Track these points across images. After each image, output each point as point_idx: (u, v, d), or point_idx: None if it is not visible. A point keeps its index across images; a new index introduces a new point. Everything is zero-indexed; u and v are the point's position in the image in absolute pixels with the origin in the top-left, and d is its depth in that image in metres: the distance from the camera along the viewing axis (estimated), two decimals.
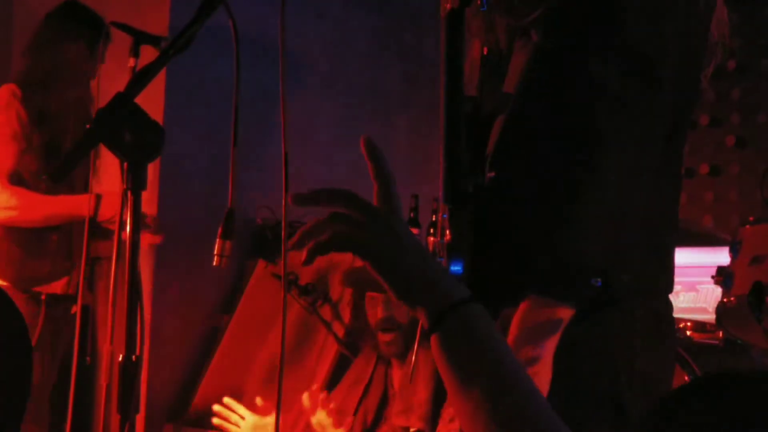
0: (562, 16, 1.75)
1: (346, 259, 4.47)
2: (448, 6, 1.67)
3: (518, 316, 1.80)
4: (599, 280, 1.76)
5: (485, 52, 1.94)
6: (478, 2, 1.78)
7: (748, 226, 3.79)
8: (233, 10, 2.11)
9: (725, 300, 3.72)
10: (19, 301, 3.77)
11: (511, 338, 1.79)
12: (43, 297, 4.13)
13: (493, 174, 1.81)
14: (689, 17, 1.81)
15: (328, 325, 4.64)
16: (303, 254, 1.43)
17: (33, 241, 4.07)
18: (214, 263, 2.23)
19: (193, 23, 1.70)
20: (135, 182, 1.54)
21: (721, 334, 3.96)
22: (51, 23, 4.24)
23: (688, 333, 4.19)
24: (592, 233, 1.77)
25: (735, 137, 5.89)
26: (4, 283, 3.98)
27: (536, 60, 1.79)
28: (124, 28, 3.85)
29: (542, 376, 1.74)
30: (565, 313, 1.76)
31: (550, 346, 1.76)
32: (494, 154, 1.82)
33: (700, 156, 5.99)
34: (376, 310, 3.63)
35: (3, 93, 4.11)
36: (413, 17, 6.35)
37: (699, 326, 4.21)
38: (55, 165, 1.47)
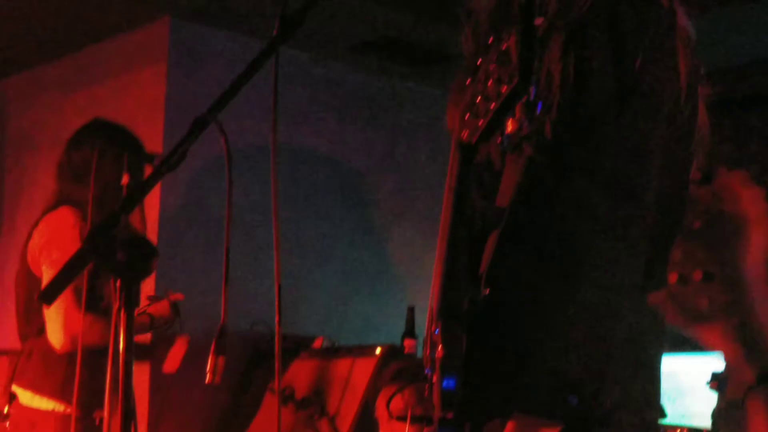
0: (553, 132, 1.78)
1: (343, 374, 4.46)
2: (464, 137, 1.68)
3: None
4: (575, 397, 1.76)
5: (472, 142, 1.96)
6: (498, 140, 1.80)
7: None
8: (226, 125, 2.13)
9: (720, 406, 3.70)
10: (80, 426, 3.74)
11: None
12: (97, 422, 4.04)
13: (488, 291, 1.82)
14: (672, 129, 1.83)
15: None
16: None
17: (96, 364, 4.00)
18: (207, 381, 2.21)
19: (185, 140, 1.71)
20: (127, 300, 1.54)
21: None
22: (100, 147, 4.21)
23: None
24: (576, 350, 1.77)
25: None
26: (66, 408, 3.91)
27: (528, 174, 1.81)
28: (119, 145, 3.88)
29: None
30: None
31: None
32: (489, 271, 1.83)
33: (695, 263, 5.98)
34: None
35: (67, 214, 4.10)
36: (406, 129, 6.41)
37: None
38: (47, 286, 1.47)
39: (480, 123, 1.61)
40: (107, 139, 4.11)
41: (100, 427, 4.03)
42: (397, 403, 3.65)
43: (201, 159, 4.60)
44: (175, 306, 4.18)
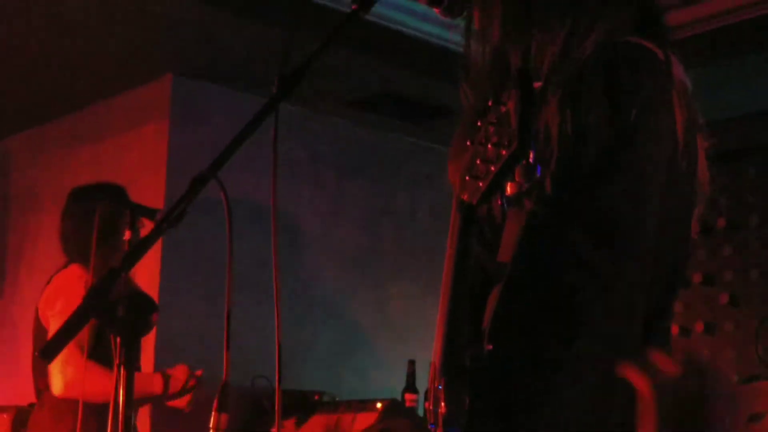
0: (554, 188, 1.79)
1: (345, 429, 4.45)
2: (465, 198, 1.70)
3: None
4: None
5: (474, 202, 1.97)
6: (499, 202, 1.82)
7: (744, 384, 3.78)
8: (227, 181, 2.15)
9: None
10: None
11: None
12: None
13: (490, 347, 1.83)
14: (671, 180, 1.84)
15: None
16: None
17: (104, 415, 4.00)
18: None
19: (185, 196, 1.73)
20: (128, 357, 1.55)
21: None
22: (106, 208, 4.24)
23: None
24: (574, 408, 1.77)
25: (728, 295, 5.91)
26: None
27: (528, 229, 1.82)
28: (120, 201, 3.91)
29: None
30: None
31: None
32: (491, 327, 1.84)
33: (695, 314, 6.00)
34: None
35: (76, 269, 4.16)
36: (406, 185, 6.44)
37: None
38: (47, 342, 1.48)
39: (480, 185, 1.63)
40: (109, 196, 4.16)
41: None
42: None
43: (202, 214, 4.61)
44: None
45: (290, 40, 1.90)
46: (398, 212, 6.43)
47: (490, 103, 1.62)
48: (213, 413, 2.26)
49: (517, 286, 1.83)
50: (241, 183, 4.93)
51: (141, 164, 5.65)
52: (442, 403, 1.73)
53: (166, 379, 4.16)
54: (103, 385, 3.90)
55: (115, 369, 1.59)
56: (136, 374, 4.11)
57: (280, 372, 2.17)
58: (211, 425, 2.25)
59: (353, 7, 1.90)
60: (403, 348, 5.69)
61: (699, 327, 5.97)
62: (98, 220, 3.87)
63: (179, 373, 4.22)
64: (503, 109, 1.58)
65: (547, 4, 1.90)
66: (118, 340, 1.55)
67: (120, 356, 1.55)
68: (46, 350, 1.52)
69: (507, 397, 1.81)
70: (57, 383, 3.95)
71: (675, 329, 6.03)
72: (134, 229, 3.67)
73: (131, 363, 1.56)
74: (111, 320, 1.55)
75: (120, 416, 1.55)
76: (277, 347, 2.21)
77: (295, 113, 5.79)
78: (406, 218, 6.44)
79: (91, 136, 6.11)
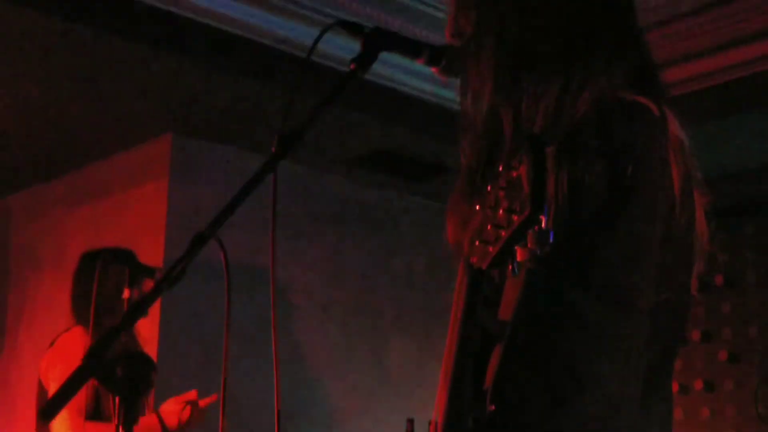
0: (551, 246, 1.79)
1: None
2: (474, 262, 1.70)
3: None
4: None
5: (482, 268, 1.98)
6: (509, 267, 1.82)
7: None
8: (226, 240, 2.16)
9: None
10: None
11: None
12: None
13: (493, 408, 1.82)
14: (667, 236, 1.84)
15: None
16: None
17: None
18: None
19: (185, 256, 1.74)
20: (127, 417, 1.55)
21: None
22: (101, 264, 4.27)
23: None
24: None
25: (727, 352, 5.90)
26: None
27: (528, 287, 1.82)
28: (120, 259, 3.92)
29: None
30: None
31: None
32: (494, 387, 1.84)
33: (694, 371, 5.98)
34: None
35: (78, 332, 4.17)
36: (404, 242, 6.45)
37: None
38: (47, 403, 1.48)
39: (490, 249, 1.63)
40: (110, 257, 4.17)
41: None
42: None
43: (201, 273, 4.61)
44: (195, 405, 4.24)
45: (290, 100, 1.91)
46: (396, 269, 6.44)
47: (500, 168, 1.62)
48: None
49: (518, 346, 1.82)
50: (240, 242, 4.94)
51: (141, 223, 5.66)
52: None
53: (160, 418, 4.15)
54: None
55: (114, 429, 1.59)
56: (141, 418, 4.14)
57: (279, 429, 2.16)
58: None
59: (351, 66, 1.92)
60: (402, 406, 5.67)
61: (698, 384, 5.96)
62: (98, 281, 3.89)
63: (169, 406, 4.19)
64: (514, 174, 1.58)
65: (540, 61, 1.92)
66: (117, 399, 1.56)
67: (119, 416, 1.55)
68: (46, 411, 1.52)
69: None
70: None
71: (675, 386, 6.01)
72: (134, 288, 3.67)
73: (130, 423, 1.56)
74: (110, 380, 1.55)
75: None
76: (276, 408, 2.21)
77: (294, 171, 5.82)
78: (404, 276, 6.44)
79: (91, 195, 6.12)
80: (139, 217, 5.72)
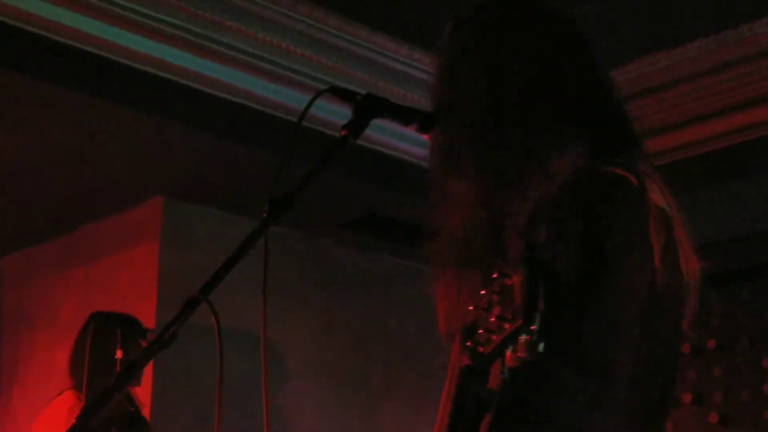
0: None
1: None
2: (466, 362, 1.74)
3: None
4: None
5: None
6: (499, 370, 1.84)
7: None
8: (217, 303, 2.17)
9: None
10: None
11: None
12: None
13: None
14: (651, 307, 1.84)
15: None
16: None
17: None
18: None
19: (176, 320, 1.75)
20: None
21: None
22: (94, 326, 4.28)
23: None
24: None
25: (718, 415, 5.90)
26: None
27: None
28: (113, 322, 3.93)
29: None
30: None
31: None
32: None
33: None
34: None
35: (69, 397, 4.17)
36: (395, 303, 6.45)
37: None
38: None
39: (481, 350, 1.66)
40: (102, 319, 4.18)
41: None
42: None
43: (192, 335, 4.62)
44: None
45: (281, 164, 1.94)
46: (388, 332, 6.43)
47: (495, 275, 1.65)
48: None
49: (504, 415, 1.84)
50: (232, 305, 4.94)
51: (132, 286, 5.67)
52: None
53: None
54: None
55: None
56: None
57: None
58: None
59: (343, 133, 1.95)
60: None
61: None
62: (90, 344, 3.89)
63: None
64: (508, 282, 1.61)
65: (511, 142, 1.90)
66: None
67: None
68: None
69: None
70: None
71: None
72: (126, 350, 3.68)
73: None
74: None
75: None
76: None
77: (284, 234, 5.83)
78: (395, 338, 6.44)
79: (83, 258, 6.13)
80: (131, 280, 5.73)
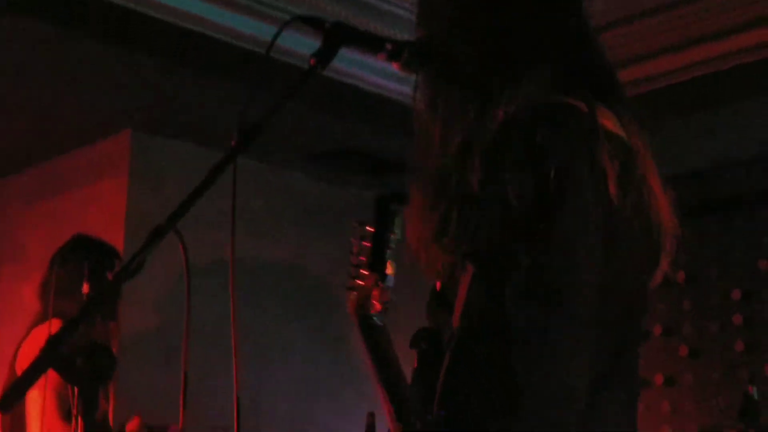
0: (488, 250, 1.79)
1: None
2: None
3: None
4: None
5: (438, 288, 2.00)
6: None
7: None
8: (186, 236, 2.15)
9: None
10: None
11: None
12: None
13: (443, 412, 1.82)
14: (609, 236, 1.81)
15: None
16: None
17: None
18: None
19: (143, 249, 1.73)
20: (86, 407, 1.55)
21: None
22: (68, 263, 4.25)
23: None
24: None
25: (688, 347, 5.95)
26: None
27: (470, 291, 1.82)
28: (82, 253, 3.91)
29: None
30: None
31: None
32: (441, 391, 1.84)
33: (655, 366, 6.02)
34: None
35: (44, 332, 4.16)
36: None
37: None
38: (4, 393, 1.47)
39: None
40: (96, 255, 4.16)
41: None
42: None
43: (160, 269, 4.61)
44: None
45: (250, 95, 1.91)
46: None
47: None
48: None
49: (463, 351, 1.82)
50: (202, 240, 4.93)
51: (100, 220, 5.63)
52: None
53: None
54: None
55: (73, 420, 1.59)
56: None
57: (238, 424, 2.16)
58: None
59: (311, 62, 1.92)
60: (363, 401, 5.67)
61: (659, 379, 5.99)
62: (56, 275, 3.87)
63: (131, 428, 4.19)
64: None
65: (472, 72, 1.93)
66: (76, 390, 1.55)
67: (78, 406, 1.55)
68: (4, 401, 1.52)
69: None
70: None
71: None
72: (94, 284, 3.66)
73: (89, 412, 1.56)
74: (69, 371, 1.55)
75: None
76: (235, 400, 2.21)
77: (254, 167, 5.81)
78: None
79: (50, 191, 6.10)
80: (99, 214, 5.69)
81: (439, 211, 1.89)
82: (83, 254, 4.15)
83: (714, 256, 5.98)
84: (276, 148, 5.68)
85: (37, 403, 3.99)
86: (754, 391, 3.96)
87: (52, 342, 1.55)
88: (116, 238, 5.41)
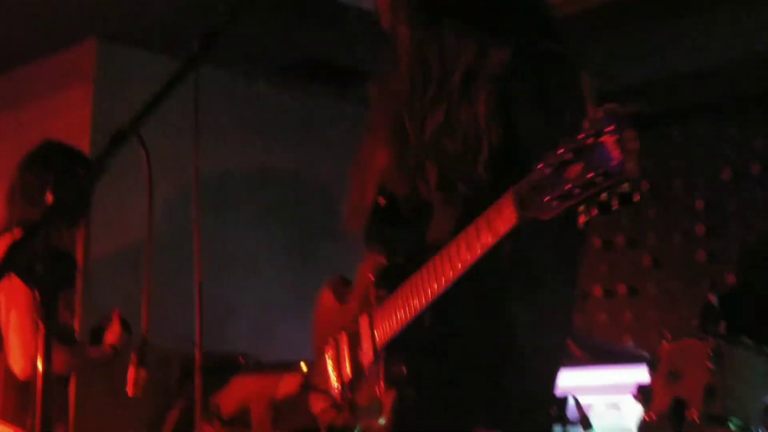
0: (488, 174, 1.87)
1: (269, 391, 4.46)
2: None
3: None
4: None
5: (382, 203, 2.09)
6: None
7: (664, 343, 3.85)
8: (149, 145, 2.14)
9: (646, 417, 3.76)
10: None
11: None
12: None
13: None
14: None
15: None
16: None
17: (48, 390, 4.00)
18: (130, 393, 2.21)
19: (106, 153, 1.73)
20: (47, 311, 1.55)
21: None
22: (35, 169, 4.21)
23: None
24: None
25: (651, 257, 6.00)
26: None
27: (465, 215, 1.88)
28: (48, 161, 3.89)
29: None
30: None
31: None
32: (439, 309, 1.93)
33: (618, 276, 6.09)
34: None
35: (8, 241, 4.14)
36: (333, 149, 6.44)
37: None
38: None
39: None
40: (63, 161, 4.13)
41: None
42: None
43: (124, 177, 4.58)
44: (126, 324, 4.22)
45: (213, 4, 1.91)
46: (324, 175, 6.44)
47: None
48: (131, 368, 2.26)
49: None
50: (166, 147, 4.90)
51: (65, 130, 5.58)
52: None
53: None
54: (64, 358, 3.92)
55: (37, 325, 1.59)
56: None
57: (201, 334, 2.18)
58: (130, 381, 2.24)
59: None
60: None
61: (622, 289, 6.06)
62: (21, 182, 3.86)
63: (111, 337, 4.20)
64: None
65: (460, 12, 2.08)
66: (37, 294, 1.55)
67: (39, 311, 1.55)
68: None
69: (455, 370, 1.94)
70: (19, 365, 3.93)
71: (599, 291, 6.12)
72: (59, 189, 3.63)
73: (50, 318, 1.56)
74: (30, 275, 1.55)
75: (40, 372, 1.55)
76: (198, 309, 2.22)
77: (221, 78, 5.77)
78: (332, 181, 6.44)
79: (14, 101, 6.04)
80: (65, 124, 5.64)
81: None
82: (50, 161, 4.12)
83: (678, 166, 6.01)
84: (242, 58, 5.64)
85: (15, 321, 4.00)
86: (714, 299, 4.01)
87: (13, 247, 1.55)
88: (81, 147, 5.38)
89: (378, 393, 1.96)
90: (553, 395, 2.05)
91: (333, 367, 2.18)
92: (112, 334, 4.21)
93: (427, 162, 2.04)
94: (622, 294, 6.05)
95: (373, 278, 2.14)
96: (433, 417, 1.96)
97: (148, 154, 1.94)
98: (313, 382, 2.19)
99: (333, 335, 2.27)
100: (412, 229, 2.08)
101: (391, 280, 2.04)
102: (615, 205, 1.58)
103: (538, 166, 1.68)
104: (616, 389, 4.53)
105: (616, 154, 1.56)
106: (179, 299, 4.61)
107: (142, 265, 2.87)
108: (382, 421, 1.94)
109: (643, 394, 3.82)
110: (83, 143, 5.38)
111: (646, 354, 4.10)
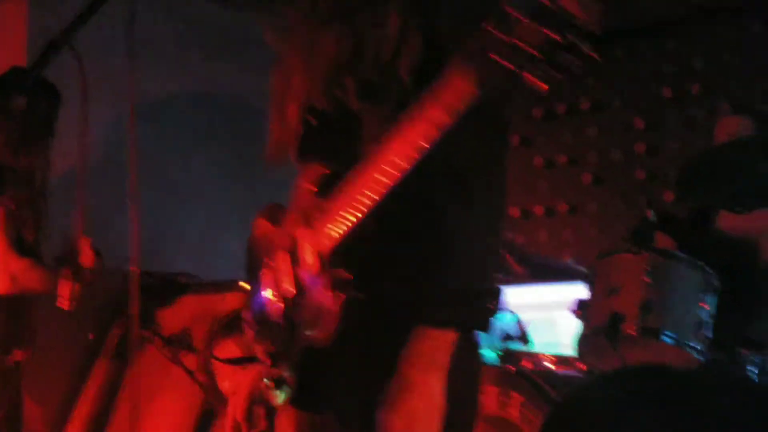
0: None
1: (211, 311, 4.47)
2: None
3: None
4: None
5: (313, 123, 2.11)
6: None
7: (602, 259, 3.89)
8: (87, 63, 2.11)
9: (584, 332, 3.81)
10: None
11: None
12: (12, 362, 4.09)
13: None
14: None
15: (191, 374, 4.61)
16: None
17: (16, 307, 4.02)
18: (65, 307, 2.21)
19: (38, 63, 1.71)
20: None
21: (582, 365, 4.05)
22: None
23: (551, 366, 4.25)
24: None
25: (592, 175, 6.04)
26: None
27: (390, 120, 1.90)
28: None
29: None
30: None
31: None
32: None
33: (559, 194, 6.12)
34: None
35: None
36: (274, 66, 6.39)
37: (561, 359, 4.29)
38: None
39: None
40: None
41: (17, 366, 4.08)
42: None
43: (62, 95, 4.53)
44: (97, 250, 4.22)
45: None
46: (267, 93, 6.39)
47: None
48: (61, 280, 2.25)
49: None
50: (103, 64, 4.84)
51: (0, 43, 5.50)
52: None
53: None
54: (40, 275, 3.91)
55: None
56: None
57: (140, 252, 2.17)
58: (62, 294, 2.24)
59: None
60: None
61: (563, 207, 6.09)
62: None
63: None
64: None
65: None
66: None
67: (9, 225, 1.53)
68: None
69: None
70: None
71: (540, 210, 6.16)
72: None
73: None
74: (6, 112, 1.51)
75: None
76: (135, 228, 2.21)
77: None
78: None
79: None
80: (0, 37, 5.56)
81: None
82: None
83: (619, 83, 6.03)
84: None
85: None
86: (652, 214, 4.04)
87: None
88: (18, 62, 5.30)
89: (324, 301, 1.97)
90: (489, 290, 2.10)
91: (273, 290, 2.18)
92: (87, 258, 4.20)
93: (347, 77, 2.05)
94: (563, 212, 6.09)
95: (315, 188, 2.15)
96: (378, 318, 1.98)
97: (81, 61, 1.91)
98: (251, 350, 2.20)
99: (269, 255, 2.28)
100: (345, 140, 2.09)
101: (333, 188, 2.04)
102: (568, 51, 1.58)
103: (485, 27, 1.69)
104: (555, 305, 4.59)
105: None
106: (123, 220, 4.60)
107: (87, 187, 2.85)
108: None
109: (582, 309, 3.86)
110: (18, 56, 5.31)
111: (585, 270, 4.14)
